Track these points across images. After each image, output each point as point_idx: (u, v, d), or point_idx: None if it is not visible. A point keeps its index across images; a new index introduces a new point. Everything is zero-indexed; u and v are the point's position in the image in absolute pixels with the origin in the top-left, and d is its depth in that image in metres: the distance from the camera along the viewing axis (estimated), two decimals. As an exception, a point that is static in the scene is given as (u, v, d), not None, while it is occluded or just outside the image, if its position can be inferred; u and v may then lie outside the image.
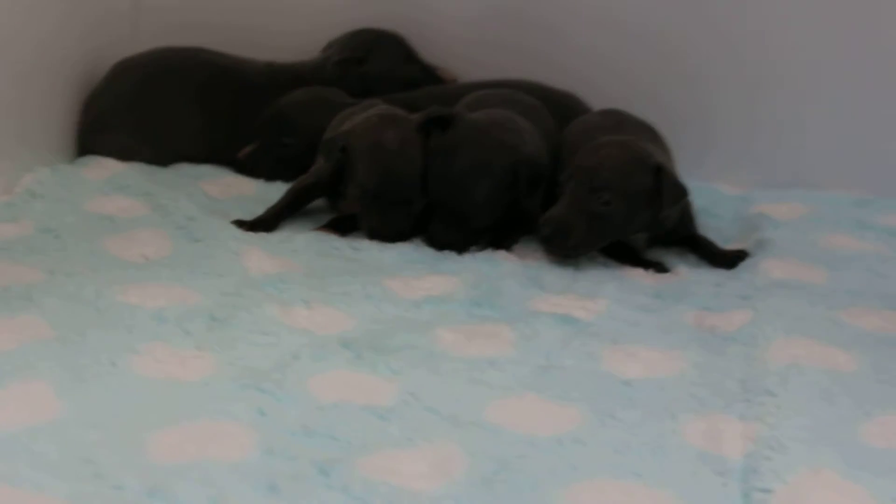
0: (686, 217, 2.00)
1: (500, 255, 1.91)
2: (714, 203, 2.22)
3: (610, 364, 1.55)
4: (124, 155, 2.22)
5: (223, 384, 1.42)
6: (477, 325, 1.64)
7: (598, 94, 2.40)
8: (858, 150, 2.42)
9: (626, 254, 1.95)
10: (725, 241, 2.08)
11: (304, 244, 1.92)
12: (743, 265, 1.95)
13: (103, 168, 2.15)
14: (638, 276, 1.89)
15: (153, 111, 2.28)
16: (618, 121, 2.14)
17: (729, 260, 1.98)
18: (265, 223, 1.98)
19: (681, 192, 1.92)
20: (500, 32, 2.52)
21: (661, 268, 1.93)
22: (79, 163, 2.19)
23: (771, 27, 2.40)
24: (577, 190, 1.88)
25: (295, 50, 2.47)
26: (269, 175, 2.24)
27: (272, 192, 2.14)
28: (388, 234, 1.94)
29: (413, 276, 1.80)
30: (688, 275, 1.91)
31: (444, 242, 1.93)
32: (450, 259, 1.89)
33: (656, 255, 1.99)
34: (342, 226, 2.01)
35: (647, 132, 2.11)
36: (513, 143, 1.96)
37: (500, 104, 2.12)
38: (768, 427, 1.38)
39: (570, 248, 1.87)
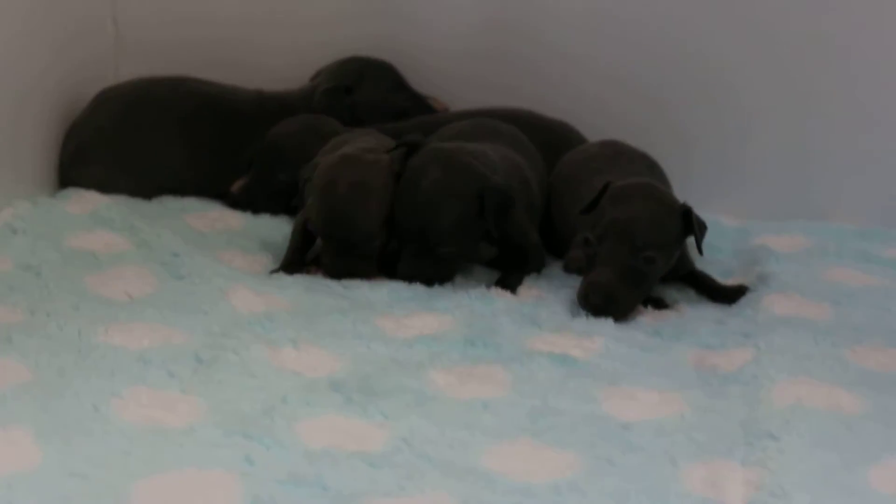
0: (685, 253, 2.00)
1: (495, 292, 1.91)
2: (713, 235, 2.18)
3: (608, 406, 1.54)
4: (107, 188, 2.22)
5: (209, 430, 1.41)
6: (471, 366, 1.64)
7: (595, 119, 2.41)
8: (862, 178, 2.43)
9: None
10: (725, 274, 2.09)
11: (292, 280, 1.91)
12: (744, 301, 1.95)
13: (85, 201, 2.15)
14: (636, 312, 1.89)
15: (136, 142, 2.28)
16: (616, 152, 2.14)
17: (730, 295, 1.98)
18: (292, 267, 1.97)
19: (705, 230, 1.93)
20: (493, 56, 2.54)
21: (659, 304, 1.93)
22: (60, 196, 2.19)
23: (767, 55, 2.41)
24: (618, 250, 1.84)
25: (284, 78, 2.48)
26: (261, 208, 2.24)
27: (260, 226, 2.15)
28: (339, 273, 1.92)
29: (405, 314, 1.80)
30: (687, 311, 1.91)
31: (411, 273, 1.92)
32: (443, 297, 1.88)
33: (654, 290, 1.99)
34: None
35: (646, 162, 2.12)
36: (479, 169, 1.95)
37: (479, 136, 2.12)
38: (771, 473, 1.37)
39: (620, 315, 1.84)
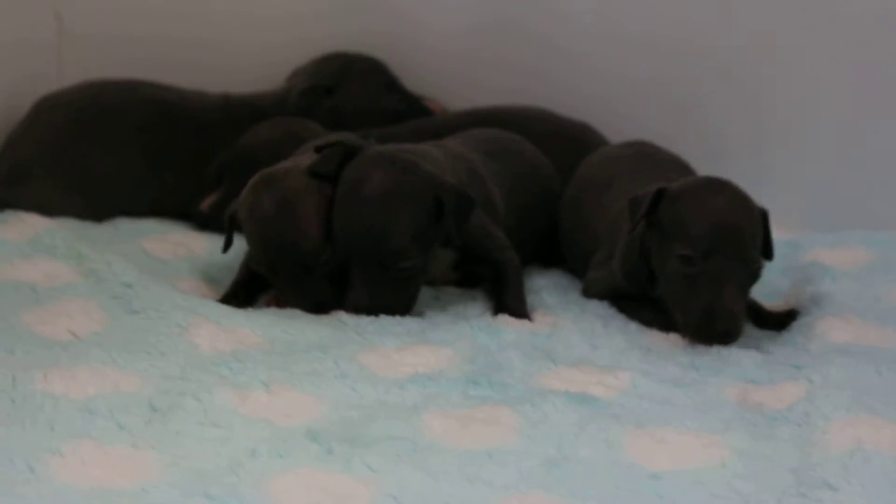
0: None
1: (502, 320, 1.90)
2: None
3: (634, 453, 1.52)
4: (49, 209, 2.22)
5: (164, 491, 1.39)
6: (473, 409, 1.62)
7: (614, 123, 2.42)
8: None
9: (654, 315, 1.93)
10: (772, 296, 2.08)
11: (264, 312, 1.91)
12: (794, 327, 1.94)
13: (25, 225, 2.15)
14: (668, 342, 1.88)
15: (84, 156, 2.29)
16: (639, 153, 2.15)
17: (777, 321, 1.98)
18: (232, 299, 1.97)
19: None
20: (495, 50, 2.56)
21: None
22: (-5, 220, 2.19)
23: (823, 52, 2.41)
24: (732, 265, 1.82)
25: (254, 81, 2.48)
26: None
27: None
28: (307, 307, 1.92)
29: (396, 348, 1.79)
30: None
31: (365, 302, 1.89)
32: (441, 327, 1.88)
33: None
34: None
35: (675, 166, 2.11)
36: (428, 169, 1.93)
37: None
38: (828, 529, 1.35)
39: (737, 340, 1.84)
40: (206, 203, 2.30)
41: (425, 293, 2.03)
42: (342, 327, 1.86)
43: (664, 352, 1.83)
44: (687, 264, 1.83)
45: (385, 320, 1.88)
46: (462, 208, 1.91)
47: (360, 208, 1.89)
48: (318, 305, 1.92)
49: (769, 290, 2.10)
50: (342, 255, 1.91)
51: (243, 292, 1.99)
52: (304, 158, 2.01)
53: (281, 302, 1.98)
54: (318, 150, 1.98)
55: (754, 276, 1.85)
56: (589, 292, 2.03)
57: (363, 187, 1.89)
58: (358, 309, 1.89)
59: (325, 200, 1.92)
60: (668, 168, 2.10)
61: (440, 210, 1.90)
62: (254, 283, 2.01)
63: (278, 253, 1.92)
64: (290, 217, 1.91)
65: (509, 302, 1.96)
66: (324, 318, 1.89)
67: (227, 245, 2.00)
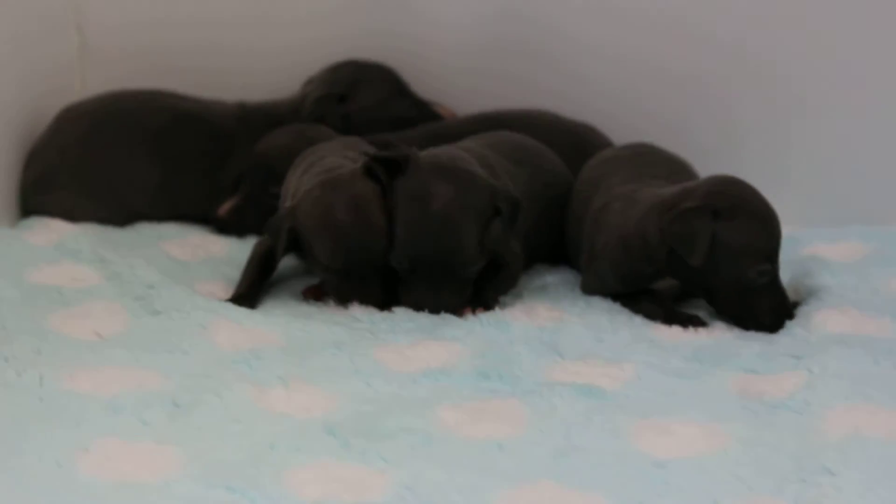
0: None
1: (510, 316, 1.90)
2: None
3: (640, 442, 1.52)
4: (74, 215, 2.23)
5: (187, 484, 1.39)
6: (483, 402, 1.62)
7: (627, 116, 2.44)
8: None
9: (655, 307, 1.94)
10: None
11: (282, 311, 1.91)
12: (795, 318, 1.93)
13: (50, 231, 2.16)
14: (671, 334, 1.88)
15: (106, 164, 2.29)
16: (635, 153, 2.16)
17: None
18: (245, 300, 1.96)
19: None
20: (506, 55, 2.56)
21: (697, 321, 1.91)
22: (21, 226, 2.20)
23: (818, 48, 2.41)
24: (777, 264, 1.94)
25: (269, 87, 2.48)
26: (253, 230, 2.23)
27: (245, 252, 2.13)
28: (373, 303, 1.93)
29: (408, 344, 1.79)
30: (729, 331, 1.90)
31: (429, 303, 1.91)
32: (451, 323, 1.88)
33: (690, 307, 1.98)
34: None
35: (671, 165, 2.11)
36: (485, 177, 1.95)
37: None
38: (828, 513, 1.35)
39: None
40: (224, 208, 2.30)
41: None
42: (356, 325, 1.86)
43: (668, 344, 1.83)
44: (764, 275, 1.90)
45: (398, 318, 1.89)
46: (514, 212, 1.94)
47: (429, 224, 1.90)
48: (377, 303, 1.93)
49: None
50: (407, 263, 1.92)
51: (254, 292, 1.99)
52: (346, 162, 2.01)
53: (319, 294, 1.99)
54: (370, 156, 1.98)
55: None
56: (586, 291, 2.04)
57: (430, 203, 1.90)
58: (420, 308, 1.91)
59: (384, 202, 1.93)
60: (661, 167, 2.10)
61: (496, 214, 1.93)
62: (263, 280, 2.02)
63: (355, 256, 1.92)
64: (364, 221, 1.91)
65: (487, 296, 1.97)
66: (338, 317, 1.89)
67: (283, 252, 1.97)
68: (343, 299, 1.94)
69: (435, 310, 1.91)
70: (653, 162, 2.11)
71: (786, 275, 2.12)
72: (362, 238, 1.92)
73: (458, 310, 1.92)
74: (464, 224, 1.90)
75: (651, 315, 1.93)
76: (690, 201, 1.88)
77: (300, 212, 1.94)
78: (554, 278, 2.12)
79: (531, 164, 2.18)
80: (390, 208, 1.92)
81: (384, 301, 1.93)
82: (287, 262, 2.08)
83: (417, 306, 1.91)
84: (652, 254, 1.92)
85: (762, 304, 1.90)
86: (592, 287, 2.03)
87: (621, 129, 2.39)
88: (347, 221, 1.91)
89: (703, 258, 1.86)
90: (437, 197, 1.90)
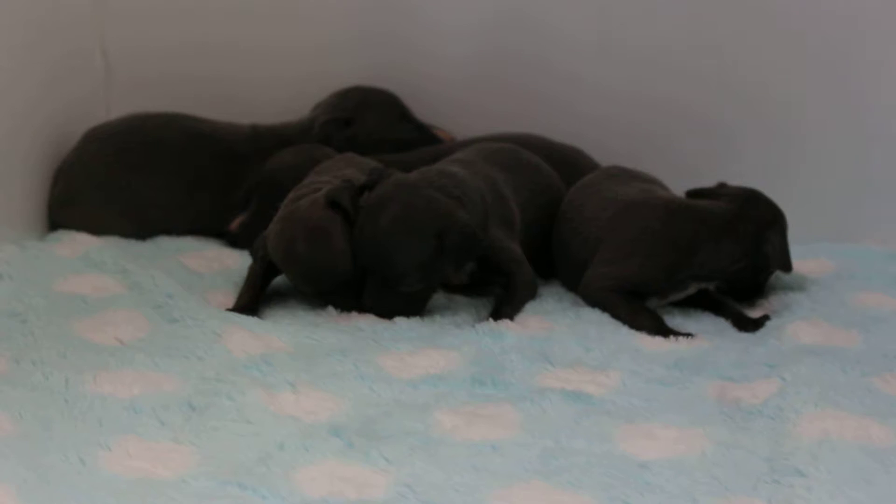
0: None
1: (504, 326, 1.89)
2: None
3: (625, 445, 1.52)
4: (98, 229, 2.22)
5: (201, 481, 1.38)
6: (478, 406, 1.61)
7: (617, 143, 2.42)
8: (888, 198, 2.40)
9: (648, 321, 1.94)
10: (746, 303, 2.07)
11: (290, 320, 1.91)
12: (768, 329, 1.93)
13: (76, 244, 2.15)
14: (654, 344, 1.87)
15: (128, 181, 2.28)
16: (609, 175, 2.17)
17: (754, 324, 1.96)
18: (247, 310, 1.95)
19: None
20: (500, 83, 2.55)
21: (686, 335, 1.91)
22: (49, 239, 2.20)
23: (792, 79, 2.41)
24: None
25: (282, 112, 2.48)
26: None
27: (256, 264, 2.12)
28: (357, 309, 1.94)
29: (409, 352, 1.79)
30: (708, 342, 1.89)
31: (376, 306, 1.91)
32: (449, 332, 1.87)
33: (674, 322, 1.97)
34: None
35: (640, 183, 2.12)
36: (441, 204, 1.93)
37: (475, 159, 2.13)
38: (799, 512, 1.34)
39: None
40: (236, 223, 2.30)
41: (436, 301, 2.02)
42: (360, 333, 1.86)
43: (651, 354, 1.82)
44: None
45: (399, 327, 1.88)
46: (464, 246, 1.92)
47: (373, 236, 1.90)
48: (362, 307, 1.93)
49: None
50: (360, 269, 1.92)
51: (255, 302, 1.98)
52: (324, 184, 2.02)
53: None
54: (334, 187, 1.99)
55: None
56: (592, 287, 2.00)
57: (379, 217, 1.90)
58: (369, 309, 1.91)
59: (346, 228, 1.93)
60: (635, 183, 2.12)
61: (442, 243, 1.90)
62: (262, 290, 2.01)
63: (318, 282, 1.93)
64: (323, 250, 1.92)
65: (504, 311, 1.95)
66: (343, 326, 1.88)
67: (262, 276, 2.00)
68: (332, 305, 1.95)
69: (381, 312, 1.91)
70: (626, 181, 2.12)
71: (761, 289, 2.14)
72: (323, 267, 1.92)
73: (404, 316, 1.91)
74: (402, 243, 1.89)
75: (641, 326, 1.92)
76: (761, 221, 2.01)
77: (269, 243, 1.96)
78: (544, 290, 2.10)
79: (523, 172, 2.17)
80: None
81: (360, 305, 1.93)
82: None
83: (368, 307, 1.92)
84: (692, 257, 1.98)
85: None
86: (609, 279, 1.99)
87: (611, 155, 2.38)
88: (307, 253, 1.92)
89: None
90: (385, 215, 1.90)
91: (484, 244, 1.94)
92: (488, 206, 2.02)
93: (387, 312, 1.91)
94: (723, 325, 1.99)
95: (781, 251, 2.03)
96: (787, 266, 2.03)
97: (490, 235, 1.99)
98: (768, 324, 1.95)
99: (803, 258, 2.22)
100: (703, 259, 1.99)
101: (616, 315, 1.95)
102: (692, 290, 2.02)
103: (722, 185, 2.09)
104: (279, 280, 2.04)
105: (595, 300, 1.99)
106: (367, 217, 1.92)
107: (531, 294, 2.02)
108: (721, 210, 2.01)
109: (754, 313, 2.02)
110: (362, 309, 1.93)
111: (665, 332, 1.90)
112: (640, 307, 1.96)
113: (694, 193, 2.09)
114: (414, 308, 1.93)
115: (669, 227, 2.00)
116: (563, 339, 1.85)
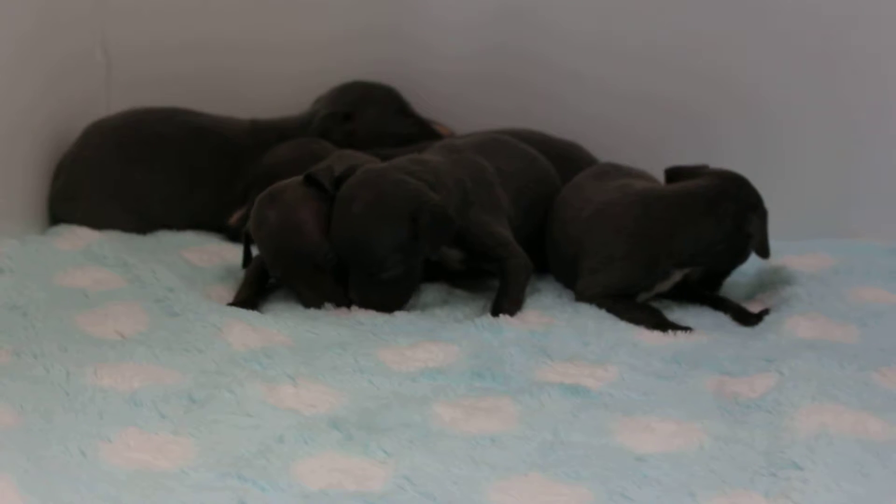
0: None
1: (504, 320, 1.89)
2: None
3: (622, 438, 1.52)
4: (99, 223, 2.22)
5: (201, 473, 1.39)
6: (477, 399, 1.62)
7: (614, 140, 2.43)
8: (889, 193, 2.40)
9: (644, 314, 1.94)
10: (747, 297, 2.08)
11: (290, 314, 1.91)
12: (767, 324, 1.93)
13: (77, 238, 2.15)
14: (653, 338, 1.87)
15: (128, 175, 2.28)
16: (601, 171, 2.18)
17: (753, 318, 1.97)
18: (246, 304, 1.96)
19: None
20: (500, 78, 2.55)
21: (684, 328, 1.92)
22: (50, 233, 2.20)
23: (792, 70, 2.43)
24: None
25: (283, 107, 2.48)
26: None
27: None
28: (318, 302, 1.94)
29: (408, 345, 1.79)
30: (706, 335, 1.89)
31: (360, 299, 1.91)
32: (448, 326, 1.87)
33: (673, 316, 1.98)
34: None
35: (630, 178, 2.12)
36: (411, 187, 1.93)
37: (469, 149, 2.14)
38: (796, 504, 1.34)
39: None
40: (235, 217, 2.30)
41: (436, 295, 2.04)
42: (360, 327, 1.86)
43: (649, 348, 1.83)
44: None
45: (399, 321, 1.88)
46: (438, 226, 1.92)
47: (347, 223, 1.91)
48: (329, 299, 1.93)
49: (745, 291, 2.11)
50: (335, 260, 1.93)
51: (254, 296, 1.99)
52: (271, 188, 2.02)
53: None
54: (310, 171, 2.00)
55: None
56: (585, 296, 2.01)
57: (352, 205, 1.91)
58: (355, 302, 1.92)
59: (321, 207, 1.94)
60: (622, 178, 2.12)
61: (416, 224, 1.90)
62: (261, 284, 2.02)
63: (286, 258, 1.94)
64: (290, 225, 1.93)
65: (503, 304, 1.95)
66: (343, 319, 1.89)
67: (247, 259, 2.03)
68: (299, 297, 1.96)
69: (364, 305, 1.91)
70: (615, 177, 2.13)
71: (758, 284, 2.14)
72: (290, 242, 1.93)
73: (389, 309, 1.91)
74: (377, 229, 1.90)
75: (637, 320, 1.92)
76: (744, 201, 1.99)
77: (250, 220, 1.98)
78: (543, 284, 2.11)
79: (517, 161, 2.18)
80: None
81: (333, 299, 1.94)
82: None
83: (353, 300, 1.92)
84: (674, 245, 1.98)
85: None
86: (597, 285, 2.01)
87: (608, 152, 2.39)
88: (276, 228, 1.93)
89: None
90: (356, 203, 1.91)
91: (456, 225, 1.93)
92: (469, 191, 2.01)
93: (367, 304, 1.91)
94: (722, 319, 2.00)
95: (761, 235, 2.01)
96: (765, 251, 2.02)
97: (475, 220, 1.99)
98: (766, 318, 1.96)
99: (802, 253, 2.23)
100: (682, 244, 1.98)
101: (615, 314, 1.95)
102: (678, 276, 2.02)
103: (703, 167, 2.07)
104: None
105: (591, 304, 1.99)
106: (339, 207, 1.93)
107: (526, 276, 2.01)
108: (702, 189, 2.00)
109: (753, 307, 2.03)
110: (334, 302, 1.93)
111: (664, 326, 1.91)
112: (635, 304, 1.96)
113: (673, 171, 2.08)
114: (399, 295, 1.94)
115: (644, 222, 2.00)
116: (561, 334, 1.86)
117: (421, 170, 1.98)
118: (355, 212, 1.90)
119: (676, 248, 1.98)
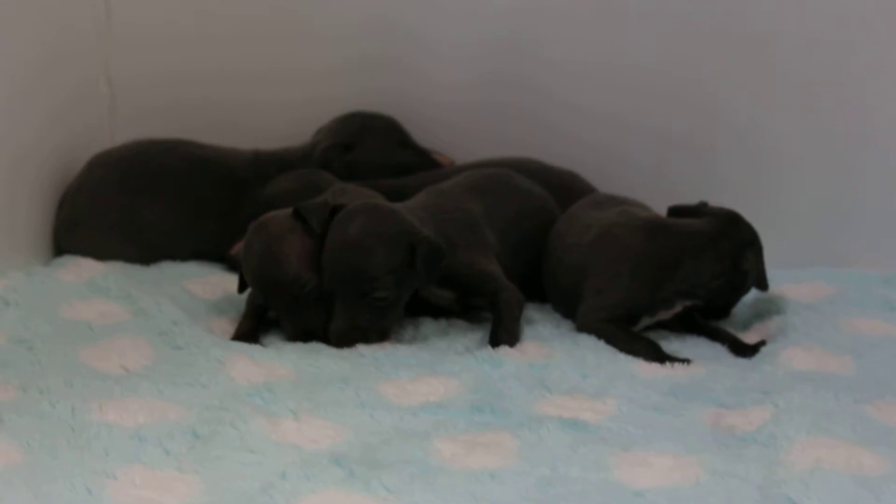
0: None
1: (503, 352, 1.90)
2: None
3: (620, 473, 1.53)
4: (102, 254, 2.23)
5: (206, 510, 1.40)
6: (477, 434, 1.63)
7: (613, 169, 2.44)
8: (884, 222, 2.42)
9: (644, 347, 1.96)
10: (742, 327, 2.10)
11: (292, 348, 1.92)
12: (763, 355, 1.95)
13: (81, 269, 2.17)
14: (651, 371, 1.88)
15: (132, 207, 2.30)
16: (596, 202, 2.21)
17: (750, 349, 1.98)
18: (247, 338, 1.98)
19: None
20: (498, 108, 2.57)
21: (677, 359, 1.93)
22: (55, 264, 2.21)
23: (788, 106, 2.44)
24: None
25: (284, 137, 2.50)
26: None
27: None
28: (298, 333, 1.97)
29: (409, 379, 1.80)
30: (703, 368, 1.90)
31: (346, 326, 1.92)
32: (448, 360, 1.88)
33: (671, 348, 1.99)
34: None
35: (621, 208, 2.15)
36: (406, 219, 1.97)
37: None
38: (791, 541, 1.36)
39: None
40: (236, 248, 2.31)
41: (435, 328, 2.05)
42: (362, 360, 1.87)
43: (647, 380, 1.83)
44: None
45: (400, 353, 1.90)
46: (433, 258, 1.94)
47: (343, 244, 1.93)
48: (307, 332, 1.96)
49: (741, 321, 2.13)
50: (327, 288, 1.94)
51: (254, 329, 2.01)
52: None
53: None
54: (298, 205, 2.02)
55: None
56: (588, 320, 2.02)
57: (347, 228, 1.94)
58: (337, 332, 1.92)
59: (307, 239, 1.96)
60: (613, 208, 2.14)
61: (414, 256, 1.93)
62: (261, 317, 2.04)
63: (267, 286, 1.96)
64: (271, 256, 1.95)
65: (501, 335, 1.97)
66: (345, 353, 1.90)
67: (242, 285, 2.04)
68: (284, 327, 1.98)
69: (349, 332, 1.92)
70: (607, 206, 2.16)
71: (754, 314, 2.15)
72: (270, 272, 1.95)
73: (374, 339, 1.93)
74: (372, 246, 1.92)
75: (637, 352, 1.93)
76: (741, 240, 2.03)
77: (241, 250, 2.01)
78: (541, 315, 2.13)
79: (509, 197, 2.21)
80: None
81: (313, 331, 1.96)
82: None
83: (335, 331, 1.93)
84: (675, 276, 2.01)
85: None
86: (601, 311, 2.02)
87: (606, 181, 2.41)
88: (258, 257, 1.96)
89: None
90: (353, 223, 1.94)
91: (445, 261, 1.96)
92: (452, 235, 2.05)
93: (352, 330, 1.92)
94: (719, 350, 2.01)
95: (758, 270, 2.04)
96: (763, 284, 2.06)
97: (463, 261, 2.03)
98: (762, 349, 1.97)
99: (798, 282, 2.24)
100: (685, 274, 2.01)
101: (614, 345, 1.97)
102: (679, 307, 2.04)
103: (703, 204, 2.11)
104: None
105: (592, 333, 2.00)
106: (336, 230, 1.95)
107: (519, 308, 2.03)
108: (703, 228, 2.04)
109: (749, 337, 2.04)
110: (312, 335, 1.95)
111: (661, 358, 1.93)
112: (636, 335, 1.98)
113: (676, 210, 2.12)
114: (384, 323, 1.95)
115: (650, 245, 2.03)
116: (560, 366, 1.87)
117: (410, 208, 2.03)
118: (352, 232, 1.93)
119: (679, 276, 2.00)
